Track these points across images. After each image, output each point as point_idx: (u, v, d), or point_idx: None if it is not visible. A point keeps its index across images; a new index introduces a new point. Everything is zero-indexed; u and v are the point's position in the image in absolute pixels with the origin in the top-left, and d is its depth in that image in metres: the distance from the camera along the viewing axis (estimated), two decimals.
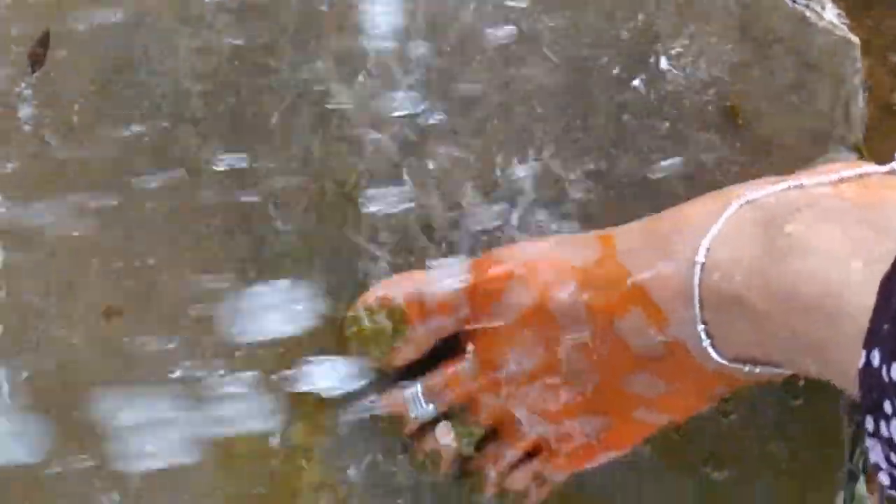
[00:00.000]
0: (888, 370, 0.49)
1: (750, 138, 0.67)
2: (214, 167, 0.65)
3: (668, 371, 0.61)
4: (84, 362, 0.65)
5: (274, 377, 0.66)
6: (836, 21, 0.67)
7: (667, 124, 0.66)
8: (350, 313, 0.65)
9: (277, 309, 0.65)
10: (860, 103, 0.67)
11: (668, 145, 0.66)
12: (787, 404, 0.71)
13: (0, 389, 0.64)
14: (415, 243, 0.66)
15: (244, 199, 0.65)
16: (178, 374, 0.65)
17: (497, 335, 0.63)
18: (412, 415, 0.65)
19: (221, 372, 0.65)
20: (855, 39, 0.66)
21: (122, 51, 0.64)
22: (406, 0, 0.64)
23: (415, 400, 0.65)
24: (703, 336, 0.59)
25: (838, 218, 0.57)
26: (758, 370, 0.60)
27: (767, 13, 0.65)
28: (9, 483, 0.65)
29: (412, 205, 0.65)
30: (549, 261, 0.63)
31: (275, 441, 0.67)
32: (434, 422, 0.66)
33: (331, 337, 0.66)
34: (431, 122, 0.65)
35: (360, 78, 0.65)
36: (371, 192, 0.65)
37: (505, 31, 0.65)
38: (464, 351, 0.64)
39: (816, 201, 0.59)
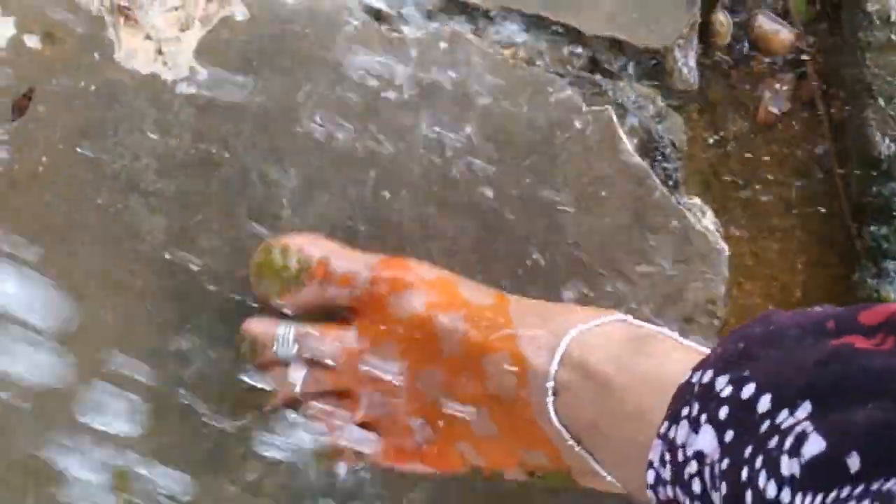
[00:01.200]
0: (701, 377, 0.54)
1: None
2: (153, 238, 0.71)
3: (505, 417, 0.65)
4: None
5: None
6: (711, 227, 0.74)
7: None
8: (265, 244, 0.68)
9: None
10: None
11: None
12: None
13: None
14: None
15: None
16: None
17: (378, 324, 0.67)
18: (274, 348, 0.68)
19: None
20: (724, 246, 0.73)
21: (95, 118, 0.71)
22: None
23: (284, 336, 0.67)
24: (550, 393, 0.63)
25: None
26: (577, 449, 0.63)
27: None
28: None
29: None
30: (448, 286, 0.67)
31: None
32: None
33: None
34: None
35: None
36: None
37: None
38: (348, 324, 0.68)
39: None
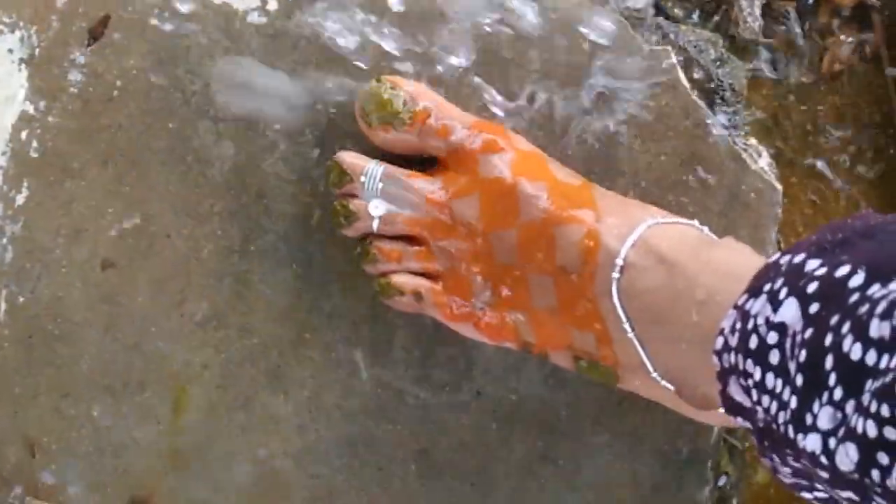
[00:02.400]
0: (791, 259, 0.55)
1: None
2: (222, 163, 0.73)
3: (566, 290, 0.66)
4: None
5: None
6: (766, 168, 0.74)
7: None
8: (380, 78, 0.70)
9: None
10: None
11: None
12: None
13: None
14: None
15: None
16: None
17: (463, 179, 0.69)
18: (361, 179, 0.70)
19: None
20: (779, 186, 0.73)
21: (168, 46, 0.73)
22: None
23: (373, 172, 0.70)
24: (617, 270, 0.64)
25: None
26: (630, 334, 0.64)
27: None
28: None
29: None
30: (538, 160, 0.69)
31: None
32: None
33: None
34: None
35: None
36: None
37: None
38: (433, 175, 0.70)
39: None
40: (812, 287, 0.52)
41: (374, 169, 0.70)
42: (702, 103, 0.73)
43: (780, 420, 0.52)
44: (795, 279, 0.53)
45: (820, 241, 0.55)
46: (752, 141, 0.74)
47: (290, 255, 0.74)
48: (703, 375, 0.61)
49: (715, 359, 0.57)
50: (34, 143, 0.73)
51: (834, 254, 0.53)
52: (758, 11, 0.81)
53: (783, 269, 0.55)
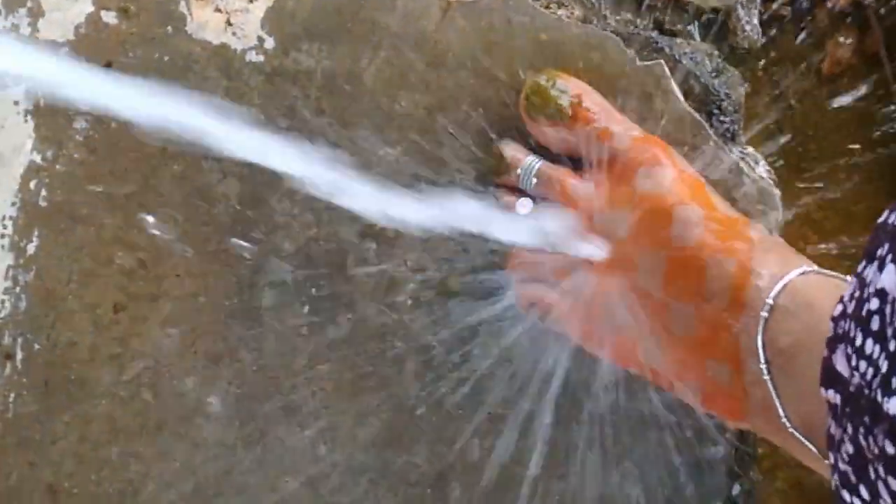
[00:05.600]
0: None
1: None
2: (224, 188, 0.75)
3: (709, 320, 0.64)
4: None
5: None
6: (764, 175, 0.74)
7: None
8: (551, 72, 0.70)
9: None
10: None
11: None
12: None
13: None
14: None
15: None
16: None
17: (620, 188, 0.67)
18: (518, 171, 0.70)
19: None
20: (776, 190, 0.73)
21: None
22: None
23: (530, 166, 0.70)
24: (766, 310, 0.62)
25: None
26: (765, 375, 0.62)
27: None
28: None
29: None
30: (698, 184, 0.67)
31: None
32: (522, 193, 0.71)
33: None
34: None
35: None
36: None
37: None
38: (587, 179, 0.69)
39: None
40: None
41: (531, 164, 0.70)
42: (697, 113, 0.73)
43: (873, 385, 0.50)
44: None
45: None
46: (750, 149, 0.75)
47: (298, 289, 0.74)
48: None
49: (830, 324, 0.56)
50: (43, 192, 0.74)
51: None
52: (755, 20, 0.82)
53: (889, 228, 0.53)
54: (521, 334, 0.72)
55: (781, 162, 0.84)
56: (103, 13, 0.74)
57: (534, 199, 0.71)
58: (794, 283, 0.62)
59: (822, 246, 0.88)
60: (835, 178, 0.89)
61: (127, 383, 0.74)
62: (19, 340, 0.74)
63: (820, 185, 0.88)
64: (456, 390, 0.75)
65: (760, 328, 0.62)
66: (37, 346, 0.74)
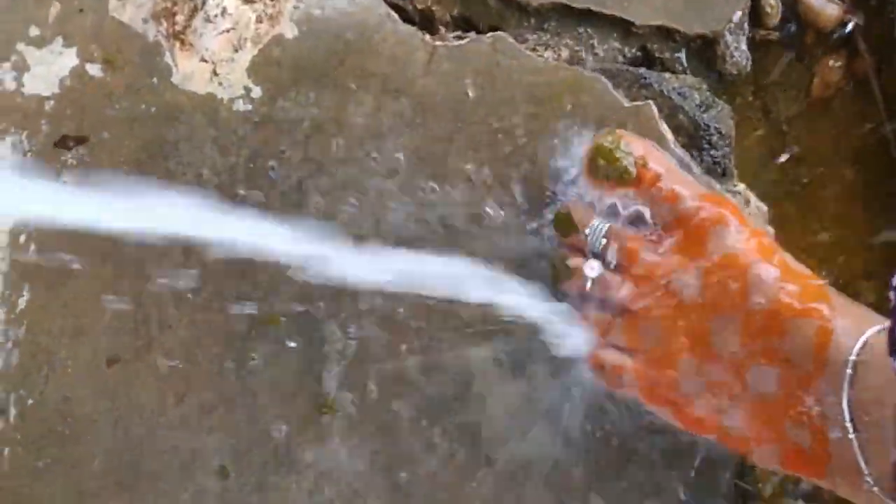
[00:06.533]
0: None
1: None
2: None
3: (790, 383, 0.62)
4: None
5: None
6: (755, 211, 0.74)
7: None
8: (614, 132, 0.69)
9: None
10: None
11: None
12: None
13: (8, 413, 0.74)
14: None
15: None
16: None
17: (690, 252, 0.66)
18: (586, 232, 0.69)
19: None
20: (770, 228, 0.74)
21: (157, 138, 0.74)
22: None
23: (599, 228, 0.69)
24: (850, 367, 0.60)
25: None
26: (851, 434, 0.60)
27: None
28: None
29: None
30: (768, 240, 0.66)
31: None
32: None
33: None
34: None
35: None
36: None
37: None
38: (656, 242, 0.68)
39: None
40: None
41: (599, 225, 0.69)
42: (685, 154, 0.73)
43: None
44: None
45: None
46: (741, 186, 0.75)
47: (289, 335, 0.74)
48: None
49: (892, 294, 0.55)
50: (32, 247, 0.74)
51: None
52: (744, 46, 0.82)
53: None
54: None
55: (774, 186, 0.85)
56: (88, 66, 0.73)
57: (602, 260, 0.70)
58: (873, 340, 0.61)
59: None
60: (826, 201, 0.88)
61: (122, 437, 0.74)
62: (12, 397, 0.74)
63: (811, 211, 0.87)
64: None
65: (846, 386, 0.61)
66: (30, 402, 0.74)
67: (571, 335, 0.71)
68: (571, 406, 0.73)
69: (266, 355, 0.74)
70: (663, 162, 0.69)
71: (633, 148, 0.69)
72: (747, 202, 0.74)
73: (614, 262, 0.69)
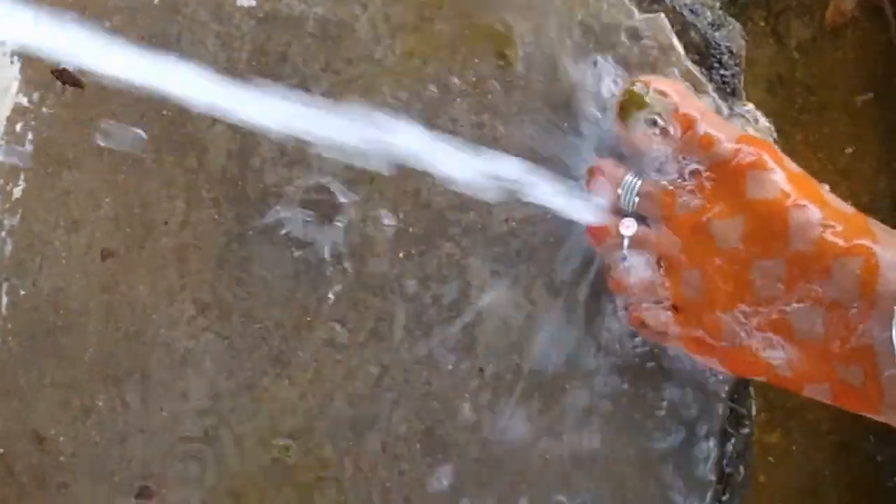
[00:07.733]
0: None
1: None
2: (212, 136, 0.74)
3: (837, 322, 0.62)
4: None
5: None
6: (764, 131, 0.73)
7: None
8: (642, 80, 0.67)
9: None
10: None
11: None
12: None
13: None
14: None
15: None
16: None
17: (728, 199, 0.65)
18: (619, 191, 0.67)
19: None
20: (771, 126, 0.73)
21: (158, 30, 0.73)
22: None
23: (631, 185, 0.67)
24: None
25: None
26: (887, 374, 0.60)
27: None
28: None
29: None
30: (810, 183, 0.64)
31: None
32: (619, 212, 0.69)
33: None
34: None
35: None
36: None
37: None
38: (692, 191, 0.66)
39: None
40: None
41: (631, 182, 0.67)
42: (696, 69, 0.72)
43: None
44: None
45: None
46: (750, 106, 0.74)
47: (289, 238, 0.74)
48: None
49: None
50: (29, 136, 0.73)
51: None
52: None
53: None
54: None
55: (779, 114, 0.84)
56: None
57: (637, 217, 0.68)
58: None
59: None
60: (835, 130, 0.88)
61: (114, 332, 0.74)
62: (4, 286, 0.73)
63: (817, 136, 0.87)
64: None
65: (895, 321, 0.60)
66: (22, 292, 0.74)
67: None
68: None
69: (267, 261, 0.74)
70: (697, 104, 0.67)
71: (665, 91, 0.67)
72: (756, 121, 0.73)
73: (650, 217, 0.67)
